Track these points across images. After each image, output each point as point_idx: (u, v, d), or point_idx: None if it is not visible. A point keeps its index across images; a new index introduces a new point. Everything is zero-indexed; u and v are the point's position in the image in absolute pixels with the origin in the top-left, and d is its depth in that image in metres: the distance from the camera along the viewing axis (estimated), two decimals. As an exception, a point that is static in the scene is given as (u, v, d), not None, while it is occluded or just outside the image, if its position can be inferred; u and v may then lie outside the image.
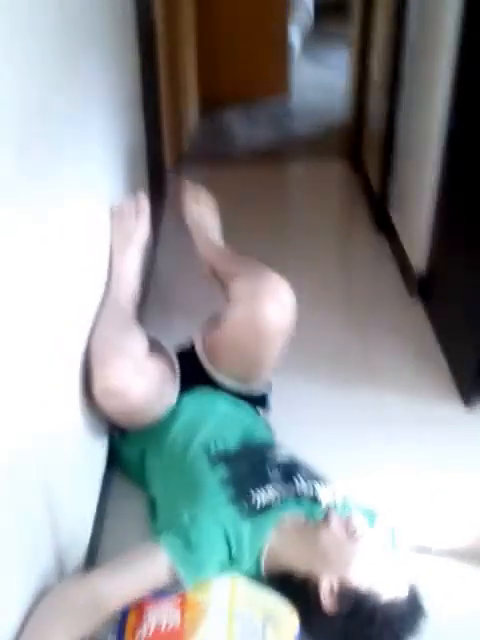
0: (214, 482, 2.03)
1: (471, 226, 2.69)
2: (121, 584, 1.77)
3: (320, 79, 5.93)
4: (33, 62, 1.67)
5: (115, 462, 2.41)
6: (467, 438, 2.57)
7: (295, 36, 5.72)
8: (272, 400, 2.56)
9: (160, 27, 3.77)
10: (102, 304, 2.32)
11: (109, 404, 2.09)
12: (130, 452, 2.35)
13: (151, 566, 1.81)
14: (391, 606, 1.71)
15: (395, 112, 3.52)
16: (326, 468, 2.22)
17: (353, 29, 4.55)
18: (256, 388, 2.46)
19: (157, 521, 2.12)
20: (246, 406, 2.43)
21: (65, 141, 1.94)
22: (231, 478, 2.04)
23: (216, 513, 1.91)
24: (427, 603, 1.77)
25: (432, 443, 2.54)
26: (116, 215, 2.51)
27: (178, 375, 2.36)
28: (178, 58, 4.29)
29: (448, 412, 2.69)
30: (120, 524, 2.26)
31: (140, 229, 2.53)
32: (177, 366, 2.38)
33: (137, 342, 2.21)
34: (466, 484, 2.36)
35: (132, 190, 2.95)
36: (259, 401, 2.50)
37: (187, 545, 1.82)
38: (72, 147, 2.02)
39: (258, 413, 2.48)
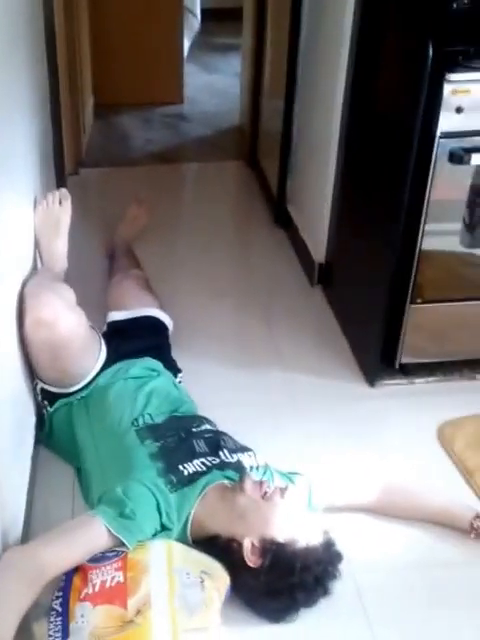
0: (144, 456, 2.15)
1: (365, 218, 2.89)
2: (62, 551, 1.88)
3: (210, 85, 6.07)
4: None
5: (41, 439, 2.50)
6: (370, 414, 2.75)
7: (186, 43, 5.83)
8: (185, 381, 2.69)
9: (60, 27, 3.81)
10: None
11: (38, 335, 2.21)
12: (59, 425, 2.43)
13: (90, 535, 1.92)
14: (308, 552, 1.88)
15: (291, 113, 3.68)
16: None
17: (245, 35, 4.71)
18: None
19: (90, 492, 2.23)
20: (169, 376, 2.57)
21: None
22: (159, 452, 2.17)
23: (147, 485, 2.03)
24: (341, 548, 1.96)
25: (340, 418, 2.70)
26: (42, 206, 2.70)
27: (102, 341, 2.50)
28: (76, 61, 4.34)
29: (353, 391, 2.86)
30: (49, 497, 2.34)
31: (65, 216, 2.76)
32: (99, 333, 2.54)
33: (67, 291, 2.36)
34: (370, 454, 2.54)
35: (45, 182, 3.08)
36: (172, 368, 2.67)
37: (122, 514, 1.94)
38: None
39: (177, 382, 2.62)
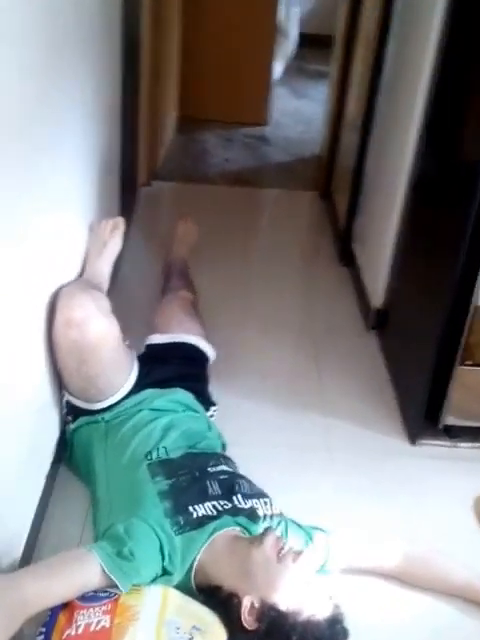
0: (153, 494, 2.07)
1: (423, 268, 2.78)
2: (50, 585, 1.79)
3: (298, 110, 6.00)
4: (17, 64, 1.71)
5: (62, 457, 2.45)
6: (407, 473, 2.63)
7: (278, 66, 5.78)
8: (221, 416, 2.62)
9: (146, 41, 3.80)
10: None
11: (68, 336, 2.15)
12: (79, 444, 2.38)
13: (82, 571, 1.84)
14: (309, 626, 1.75)
15: (365, 149, 3.58)
16: (266, 490, 2.24)
17: (333, 64, 4.62)
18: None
19: (97, 524, 2.15)
20: (198, 410, 2.50)
21: (41, 151, 1.98)
22: (170, 491, 2.08)
23: (152, 525, 1.94)
24: (350, 624, 1.82)
25: (375, 473, 2.60)
26: (94, 228, 2.72)
27: (135, 361, 2.46)
28: (160, 74, 4.32)
29: (392, 446, 2.74)
30: (61, 521, 2.28)
31: (114, 242, 2.74)
32: (134, 353, 2.50)
33: (103, 298, 2.32)
34: (400, 517, 2.42)
35: (105, 204, 3.03)
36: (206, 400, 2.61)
37: (120, 553, 1.85)
38: (48, 158, 2.07)
39: (208, 415, 2.55)
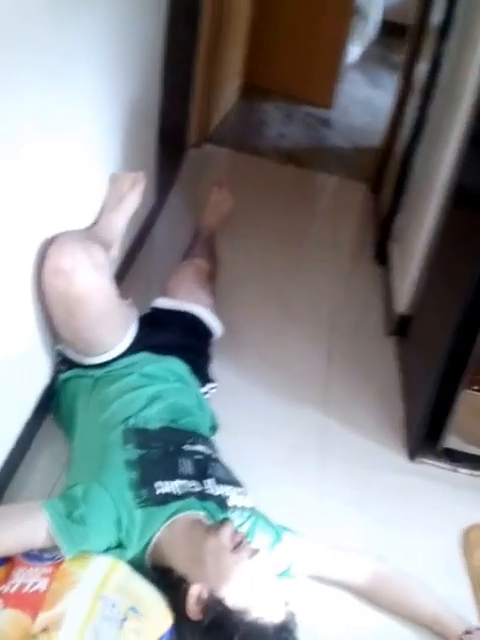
0: (120, 460, 1.99)
1: (450, 282, 2.62)
2: None
3: (369, 99, 5.82)
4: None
5: (49, 408, 2.40)
6: (399, 490, 2.53)
7: (353, 49, 5.61)
8: (218, 396, 2.54)
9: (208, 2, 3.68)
10: None
11: (54, 285, 2.06)
12: (66, 396, 2.33)
13: (27, 526, 1.78)
14: (253, 628, 1.65)
15: (415, 147, 3.43)
16: (249, 481, 2.17)
17: (403, 56, 4.46)
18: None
19: (68, 478, 2.10)
20: (190, 383, 2.41)
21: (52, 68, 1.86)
22: (138, 461, 1.99)
23: (111, 494, 1.87)
24: (302, 635, 1.73)
25: (362, 485, 2.49)
26: (113, 180, 2.62)
27: (134, 322, 2.38)
28: (223, 37, 4.20)
29: (388, 459, 2.64)
30: (36, 473, 2.23)
31: (132, 197, 2.60)
32: (135, 317, 2.41)
33: (99, 251, 2.19)
34: (382, 535, 2.32)
35: (134, 156, 2.93)
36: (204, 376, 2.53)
37: (70, 515, 1.78)
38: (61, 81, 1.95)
39: (202, 392, 2.47)
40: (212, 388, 2.54)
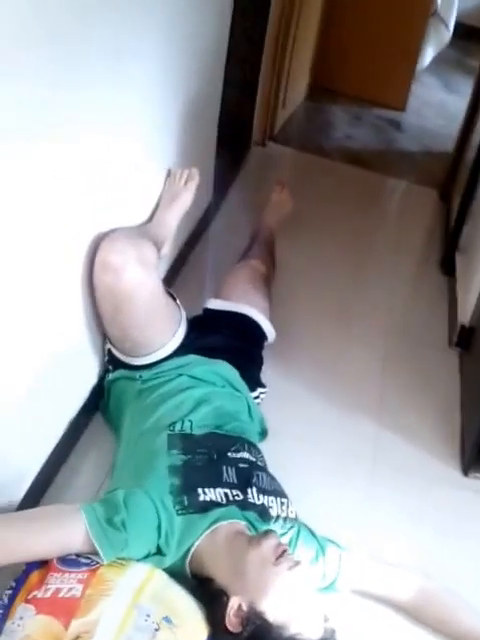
0: (163, 466, 1.95)
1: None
2: (27, 538, 1.70)
3: (444, 104, 5.69)
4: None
5: (98, 407, 2.39)
6: (450, 504, 2.45)
7: (429, 53, 5.49)
8: (270, 402, 2.49)
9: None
10: None
11: (103, 280, 2.07)
12: (114, 397, 2.31)
13: (64, 530, 1.74)
14: None
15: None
16: (297, 489, 2.12)
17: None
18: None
19: (111, 480, 2.09)
20: (240, 388, 2.36)
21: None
22: (182, 467, 1.96)
23: (154, 500, 1.82)
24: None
25: (413, 498, 2.43)
26: (168, 177, 2.63)
27: (183, 321, 2.35)
28: (292, 36, 4.12)
29: (442, 473, 2.56)
30: (81, 473, 2.21)
31: (185, 194, 2.59)
32: (184, 318, 2.37)
33: (150, 249, 2.17)
34: (431, 549, 2.26)
35: (193, 152, 2.89)
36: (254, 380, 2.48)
37: (110, 521, 1.73)
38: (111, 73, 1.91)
39: (252, 396, 2.42)
40: (263, 393, 2.49)
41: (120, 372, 2.28)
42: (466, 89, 5.45)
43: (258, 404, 2.44)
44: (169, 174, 2.63)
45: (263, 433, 2.39)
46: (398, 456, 2.57)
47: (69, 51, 1.61)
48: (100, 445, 2.30)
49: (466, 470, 2.55)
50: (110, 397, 2.33)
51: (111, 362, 2.31)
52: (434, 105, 5.63)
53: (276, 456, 2.23)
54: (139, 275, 2.08)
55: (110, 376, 2.31)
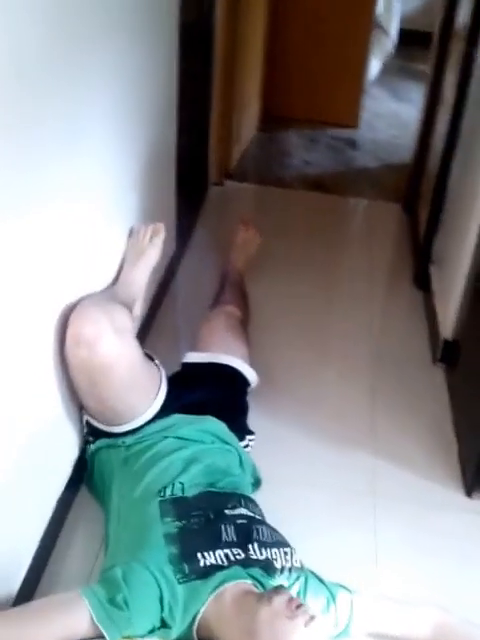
0: (159, 535, 1.88)
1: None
2: (33, 631, 1.64)
3: (395, 113, 5.69)
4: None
5: (82, 479, 2.31)
6: (457, 530, 2.38)
7: (374, 64, 5.49)
8: (260, 447, 2.43)
9: (220, 31, 3.60)
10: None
11: (77, 355, 1.98)
12: (98, 468, 2.23)
13: (68, 619, 1.68)
14: None
15: (450, 162, 3.28)
16: (300, 535, 2.06)
17: (429, 65, 4.29)
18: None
19: (105, 559, 2.00)
20: (229, 441, 2.30)
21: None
22: (178, 535, 1.89)
23: (153, 572, 1.76)
24: None
25: (420, 528, 2.36)
26: (132, 234, 2.56)
27: (163, 382, 2.26)
28: (238, 67, 4.10)
29: (445, 497, 2.50)
30: (73, 551, 2.14)
31: (152, 251, 2.53)
32: (164, 378, 2.29)
33: (123, 314, 2.11)
34: (443, 579, 2.19)
35: (153, 204, 2.84)
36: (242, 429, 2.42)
37: (113, 601, 1.68)
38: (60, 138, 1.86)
39: (243, 445, 2.36)
40: (251, 440, 2.42)
41: (102, 441, 2.21)
42: (416, 96, 5.48)
43: (248, 452, 2.38)
44: (132, 232, 2.57)
45: (257, 482, 2.33)
46: (398, 486, 2.51)
47: (24, 134, 1.59)
48: (89, 519, 2.22)
49: (470, 491, 2.49)
50: (94, 468, 2.25)
51: (91, 433, 2.24)
52: (385, 116, 5.65)
53: (273, 504, 2.16)
54: (116, 346, 2.01)
55: (92, 447, 2.24)
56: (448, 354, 2.99)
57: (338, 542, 2.23)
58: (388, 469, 2.56)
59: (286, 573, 1.89)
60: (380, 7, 5.56)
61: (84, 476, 2.29)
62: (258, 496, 2.20)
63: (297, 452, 2.58)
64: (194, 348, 2.58)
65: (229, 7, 3.70)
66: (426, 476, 2.56)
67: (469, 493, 2.49)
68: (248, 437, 2.41)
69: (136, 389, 2.17)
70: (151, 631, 1.71)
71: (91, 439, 2.24)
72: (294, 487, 2.41)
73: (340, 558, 2.13)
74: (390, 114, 5.68)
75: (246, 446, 2.38)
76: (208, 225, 3.90)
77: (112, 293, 2.33)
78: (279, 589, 1.70)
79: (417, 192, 4.13)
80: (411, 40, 6.53)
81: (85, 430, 2.25)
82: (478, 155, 2.90)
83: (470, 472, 2.51)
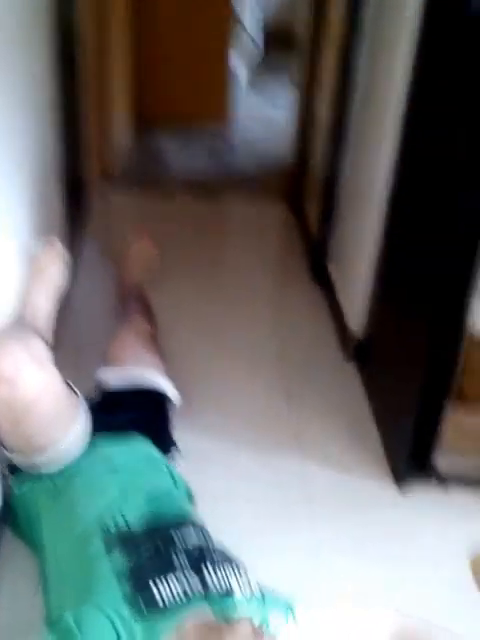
0: (108, 573, 1.74)
1: (408, 290, 2.49)
2: None
3: (267, 114, 5.70)
4: None
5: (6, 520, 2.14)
6: (395, 526, 2.36)
7: (241, 67, 5.49)
8: (186, 463, 2.33)
9: (88, 38, 3.51)
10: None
11: None
12: (22, 506, 2.07)
13: None
14: None
15: (339, 160, 3.29)
16: (242, 550, 1.94)
17: (299, 66, 4.32)
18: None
19: (47, 603, 1.83)
20: (159, 459, 2.20)
21: None
22: (129, 570, 1.75)
23: (107, 613, 1.62)
24: None
25: (358, 529, 2.33)
26: (28, 253, 2.41)
27: (84, 408, 2.13)
28: (108, 74, 4.02)
29: (378, 494, 2.47)
30: (9, 599, 1.98)
31: (51, 270, 2.45)
32: (82, 398, 2.16)
33: (38, 344, 1.98)
34: (391, 579, 2.16)
35: (43, 221, 2.70)
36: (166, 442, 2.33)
37: None
38: None
39: (170, 465, 2.25)
40: (176, 450, 2.34)
41: (24, 476, 2.06)
42: (280, 93, 5.55)
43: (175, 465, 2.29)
44: (26, 255, 2.42)
45: (190, 497, 2.23)
46: (330, 489, 2.47)
47: None
48: (18, 562, 2.07)
49: (400, 482, 2.48)
50: (19, 509, 2.09)
51: (11, 470, 2.08)
52: (255, 116, 5.65)
53: (208, 523, 2.04)
54: (38, 378, 1.87)
55: (16, 486, 2.08)
56: (360, 351, 2.97)
57: (278, 554, 2.17)
58: (318, 473, 2.52)
59: (244, 593, 1.80)
60: (240, 7, 5.57)
61: (7, 518, 2.12)
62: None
63: (224, 465, 2.50)
64: (108, 369, 2.45)
65: (94, 18, 3.66)
66: (356, 474, 2.53)
67: (399, 484, 2.48)
68: (173, 448, 2.33)
69: (62, 420, 2.03)
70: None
71: (10, 475, 2.09)
72: (227, 503, 2.33)
73: (283, 570, 2.06)
74: (262, 115, 5.71)
75: (170, 459, 2.29)
76: (95, 237, 3.78)
77: (20, 322, 2.19)
78: (241, 620, 1.62)
79: (302, 192, 4.12)
80: (272, 39, 6.57)
81: (3, 465, 2.09)
82: (367, 149, 2.91)
83: (398, 468, 2.50)
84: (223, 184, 4.58)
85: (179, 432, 2.43)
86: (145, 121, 5.10)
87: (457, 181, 2.07)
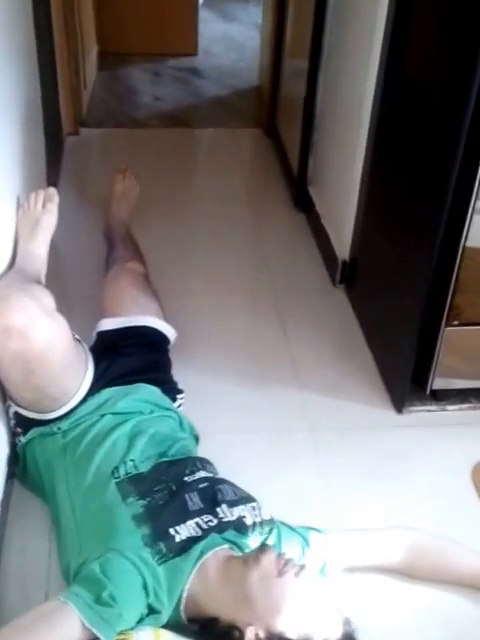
0: (127, 518, 1.79)
1: (399, 208, 2.47)
2: None
3: (228, 35, 5.57)
4: None
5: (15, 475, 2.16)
6: (396, 445, 2.42)
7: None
8: (187, 400, 2.35)
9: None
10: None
11: (9, 346, 1.83)
12: (33, 461, 2.08)
13: (60, 627, 1.55)
14: None
15: (316, 76, 3.22)
16: (248, 483, 2.00)
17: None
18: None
19: (65, 556, 1.87)
20: (167, 406, 2.21)
21: None
22: (146, 514, 1.80)
23: (131, 558, 1.67)
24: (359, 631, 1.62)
25: (363, 450, 2.39)
26: (22, 203, 2.43)
27: (89, 357, 2.15)
28: (75, 8, 3.90)
29: (378, 417, 2.52)
30: (21, 551, 1.99)
31: (48, 217, 2.41)
32: (89, 352, 2.18)
33: (44, 294, 1.98)
34: (395, 497, 2.22)
35: (31, 167, 2.66)
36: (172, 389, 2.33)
37: (99, 599, 1.57)
38: None
39: (176, 406, 2.28)
40: (182, 398, 2.34)
41: (34, 431, 2.06)
42: (243, 15, 5.40)
43: (181, 411, 2.30)
44: (20, 202, 2.40)
45: (196, 440, 2.26)
46: (331, 415, 2.50)
47: None
48: (30, 515, 2.08)
49: (399, 407, 2.52)
50: (27, 462, 2.10)
51: (20, 424, 2.09)
52: (220, 40, 5.54)
53: (214, 457, 2.10)
54: (50, 329, 1.88)
55: (23, 439, 2.08)
56: (348, 274, 2.98)
57: (288, 484, 2.21)
58: (318, 401, 2.55)
59: (259, 528, 1.84)
60: None
61: (16, 471, 2.14)
62: (200, 452, 2.15)
63: (225, 400, 2.52)
64: (104, 314, 2.44)
65: None
66: (354, 399, 2.56)
67: (399, 409, 2.51)
68: (179, 397, 2.33)
69: (71, 369, 2.05)
70: (140, 620, 1.64)
71: (20, 430, 2.09)
72: (231, 436, 2.36)
73: (294, 500, 2.11)
74: (224, 37, 5.57)
75: (179, 406, 2.31)
76: (72, 179, 3.70)
77: (21, 272, 2.17)
78: (263, 549, 1.67)
79: (275, 114, 4.06)
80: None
81: (12, 422, 2.11)
82: (349, 68, 2.86)
83: (396, 389, 2.54)
84: (197, 112, 4.53)
85: (177, 370, 2.44)
86: (111, 54, 5.00)
87: (450, 93, 2.02)
